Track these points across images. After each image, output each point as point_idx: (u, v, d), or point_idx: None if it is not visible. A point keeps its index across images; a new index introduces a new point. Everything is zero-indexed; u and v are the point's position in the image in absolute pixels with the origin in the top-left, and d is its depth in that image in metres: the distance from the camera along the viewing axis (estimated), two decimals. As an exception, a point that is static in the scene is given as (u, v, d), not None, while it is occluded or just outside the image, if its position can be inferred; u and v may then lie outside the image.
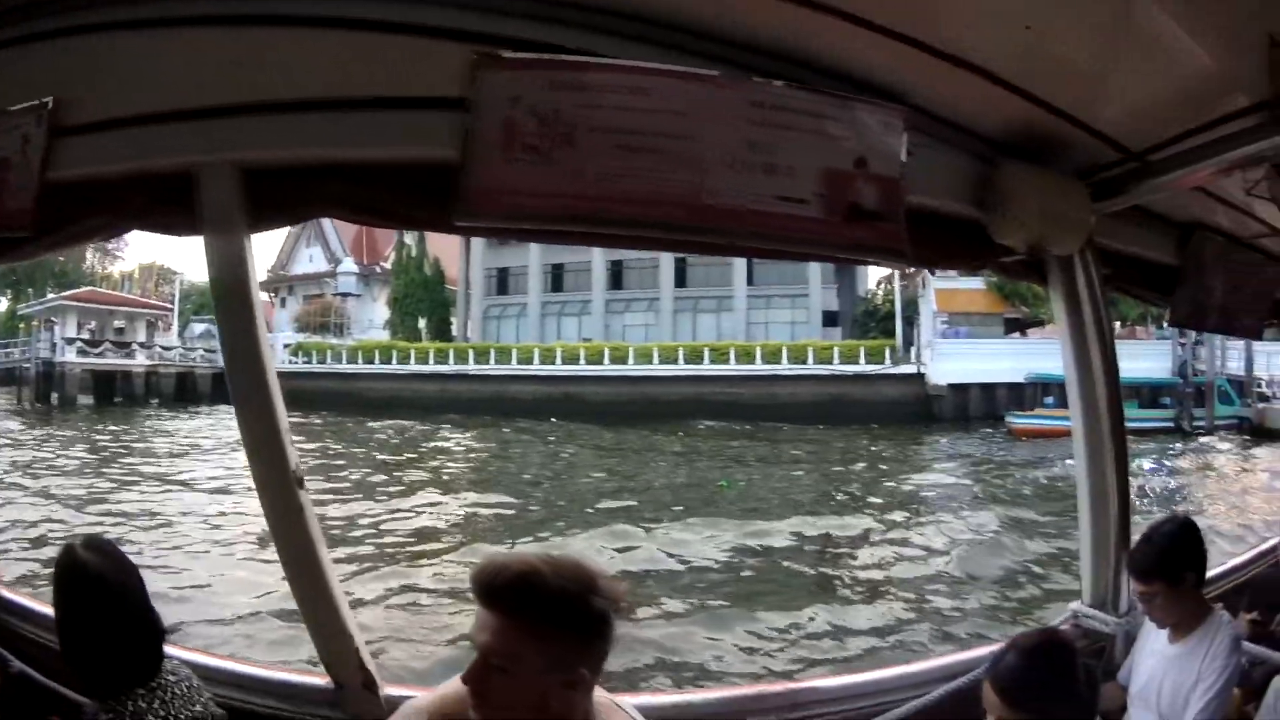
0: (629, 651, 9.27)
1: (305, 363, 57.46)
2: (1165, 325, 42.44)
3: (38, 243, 2.54)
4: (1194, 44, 2.37)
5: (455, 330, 66.95)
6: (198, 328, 71.39)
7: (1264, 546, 5.20)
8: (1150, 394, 39.70)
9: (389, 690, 2.79)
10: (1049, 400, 36.56)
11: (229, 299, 2.57)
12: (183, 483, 21.96)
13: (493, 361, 54.09)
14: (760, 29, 2.46)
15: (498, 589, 1.76)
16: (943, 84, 2.62)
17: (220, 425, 36.19)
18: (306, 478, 2.68)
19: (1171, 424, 38.55)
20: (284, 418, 2.60)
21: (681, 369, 49.80)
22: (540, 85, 2.28)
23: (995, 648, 2.60)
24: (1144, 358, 40.87)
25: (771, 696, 3.13)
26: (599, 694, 2.00)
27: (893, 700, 3.16)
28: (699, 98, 2.34)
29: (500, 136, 2.27)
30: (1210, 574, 4.56)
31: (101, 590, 2.27)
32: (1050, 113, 2.76)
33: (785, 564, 14.55)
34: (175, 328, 69.75)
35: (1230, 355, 41.22)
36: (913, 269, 51.47)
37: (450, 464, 28.82)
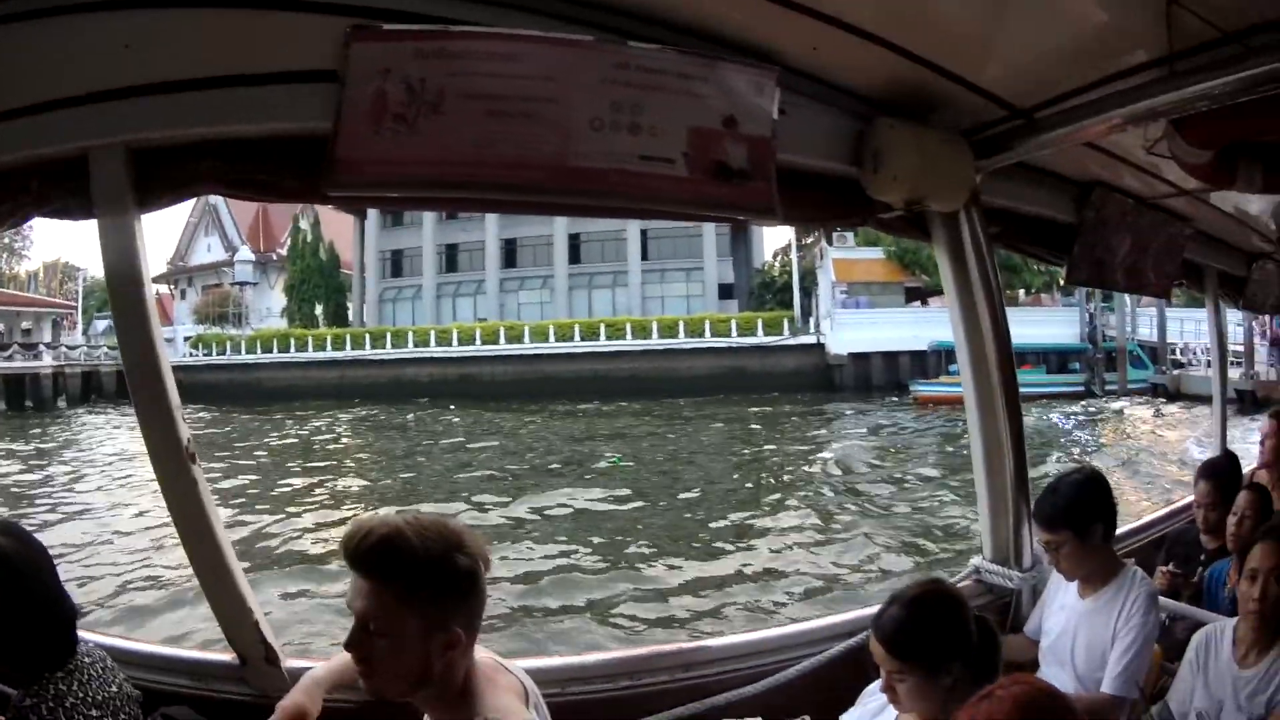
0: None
1: (206, 355, 56.79)
2: (1062, 285, 43.10)
3: None
4: (1084, 3, 2.42)
5: (351, 315, 66.21)
6: (101, 324, 70.00)
7: (1179, 503, 5.30)
8: (1059, 359, 40.44)
9: (291, 663, 2.79)
10: (953, 368, 37.04)
11: (121, 280, 2.55)
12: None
13: (389, 345, 54.07)
14: None
15: (364, 553, 1.78)
16: (817, 43, 2.63)
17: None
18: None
19: (1082, 388, 39.01)
20: (175, 394, 2.59)
21: (578, 346, 50.04)
22: (410, 55, 2.29)
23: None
24: (1052, 324, 41.77)
25: (664, 656, 3.16)
26: (484, 654, 2.03)
27: (787, 659, 3.19)
28: (567, 62, 2.35)
29: (370, 107, 2.28)
30: (1124, 530, 4.66)
31: (12, 573, 2.27)
32: (930, 70, 2.78)
33: (679, 530, 14.98)
34: (80, 326, 68.47)
35: (1141, 321, 41.89)
36: (809, 236, 52.23)
37: (341, 450, 28.94)
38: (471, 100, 2.30)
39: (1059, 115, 2.93)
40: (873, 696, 2.66)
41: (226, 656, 2.86)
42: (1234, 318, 25.32)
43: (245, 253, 69.35)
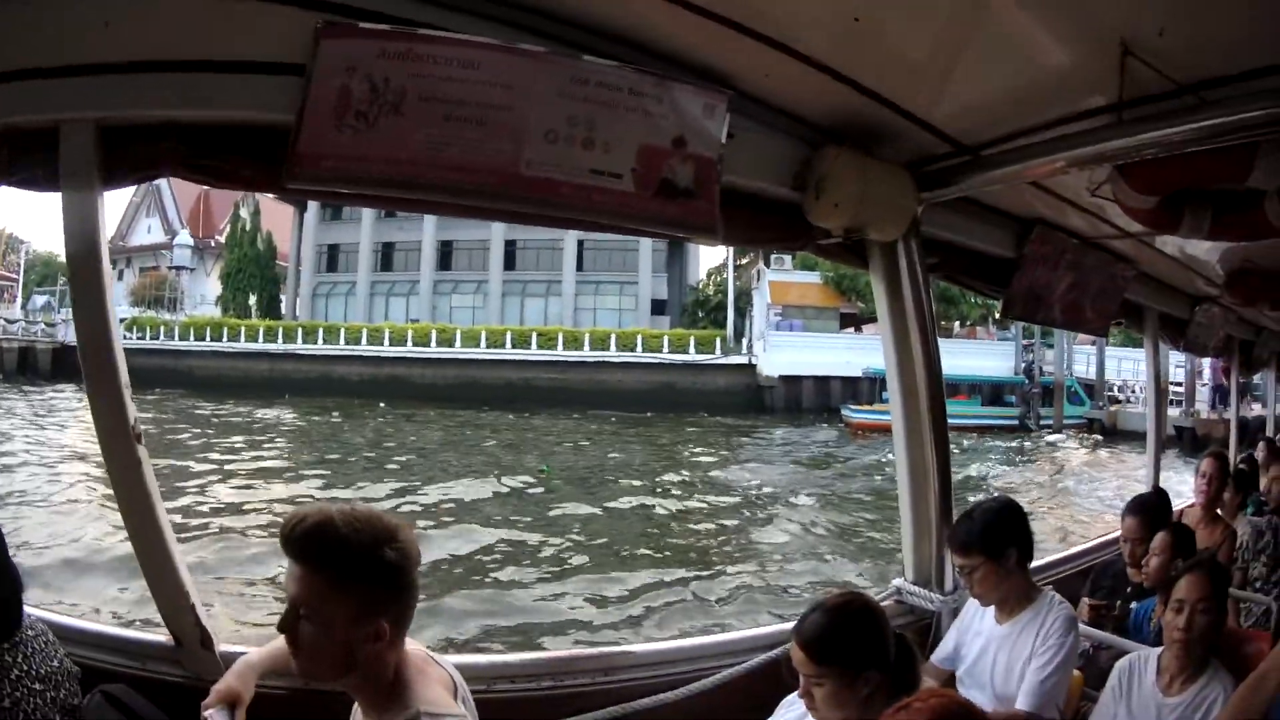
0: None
1: (140, 338, 54.75)
2: (998, 319, 43.35)
3: None
4: (1043, 46, 2.49)
5: (284, 308, 65.08)
6: (39, 299, 68.81)
7: (1107, 536, 5.43)
8: (993, 391, 40.51)
9: (224, 647, 2.83)
10: (886, 395, 37.23)
11: (81, 256, 2.58)
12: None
13: (320, 341, 52.89)
14: (592, 8, 2.55)
15: (295, 539, 1.85)
16: (768, 69, 2.71)
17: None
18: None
19: (1015, 422, 39.25)
20: (125, 373, 2.63)
21: (509, 353, 49.73)
22: (375, 54, 2.35)
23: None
24: (987, 356, 42.17)
25: (586, 659, 3.21)
26: (415, 648, 2.09)
27: (708, 667, 3.25)
28: (525, 72, 2.43)
29: (333, 103, 2.34)
30: (1050, 559, 4.79)
31: None
32: (879, 103, 2.87)
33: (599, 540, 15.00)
34: (19, 300, 66.29)
35: (1078, 358, 42.37)
36: (745, 256, 52.26)
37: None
38: (431, 103, 2.37)
39: (1005, 154, 3.03)
40: (791, 706, 2.71)
41: (162, 638, 2.89)
42: (1176, 358, 25.76)
43: (185, 237, 67.42)
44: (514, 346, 49.87)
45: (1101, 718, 3.16)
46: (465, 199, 2.44)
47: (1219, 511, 5.62)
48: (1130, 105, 2.51)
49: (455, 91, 2.39)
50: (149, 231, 72.31)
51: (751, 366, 46.32)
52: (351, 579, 1.85)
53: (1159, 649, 3.19)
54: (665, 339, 48.95)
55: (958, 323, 51.37)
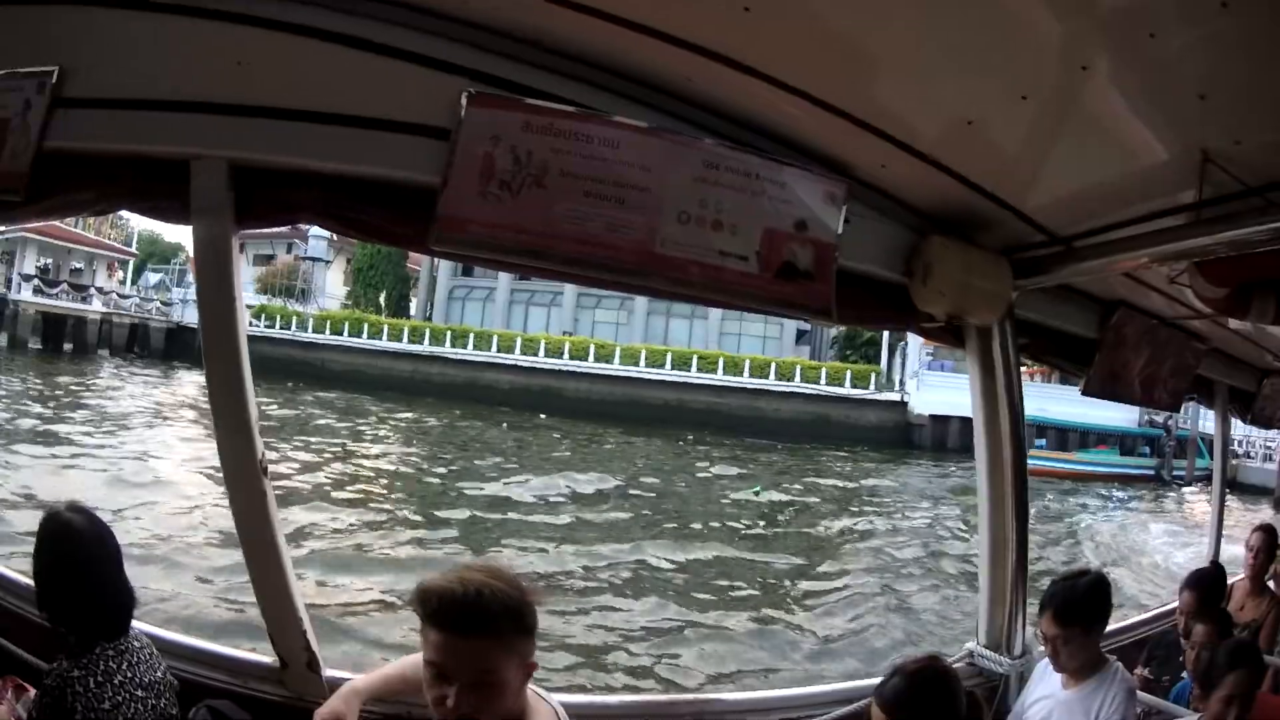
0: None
1: (268, 326, 55.69)
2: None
3: (27, 208, 2.63)
4: (1131, 149, 2.61)
5: (414, 308, 65.08)
6: (152, 277, 68.60)
7: (1164, 607, 5.46)
8: (1130, 443, 41.08)
9: (330, 672, 2.94)
10: (1040, 442, 37.69)
11: (212, 291, 2.68)
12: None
13: (470, 347, 53.03)
14: (722, 95, 2.67)
15: (457, 615, 1.89)
16: (884, 161, 2.84)
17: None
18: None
19: (1152, 473, 39.84)
20: (254, 407, 2.73)
21: (669, 374, 49.25)
22: (520, 126, 2.47)
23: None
24: (1112, 408, 41.13)
25: (681, 705, 3.35)
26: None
27: (794, 718, 3.38)
28: (662, 154, 2.56)
29: (477, 170, 2.46)
30: (1111, 629, 4.83)
31: (85, 548, 2.47)
32: (982, 195, 2.99)
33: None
34: (127, 275, 65.81)
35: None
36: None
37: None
38: (573, 179, 2.49)
39: (1094, 247, 3.14)
40: None
41: (266, 658, 3.01)
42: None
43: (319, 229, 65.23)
44: (674, 368, 49.62)
45: None
46: (600, 272, 2.56)
47: (1270, 584, 5.65)
48: (1208, 205, 2.60)
49: (596, 169, 2.51)
50: None
51: (903, 404, 46.54)
52: (516, 635, 1.95)
53: (1198, 715, 3.27)
54: (823, 371, 48.96)
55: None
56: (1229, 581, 5.31)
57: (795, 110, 2.60)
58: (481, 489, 21.17)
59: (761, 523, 20.71)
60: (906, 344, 49.18)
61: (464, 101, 2.46)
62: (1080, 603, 3.30)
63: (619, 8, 2.30)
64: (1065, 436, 41.12)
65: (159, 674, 2.57)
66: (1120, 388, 4.33)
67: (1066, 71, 2.26)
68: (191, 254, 2.73)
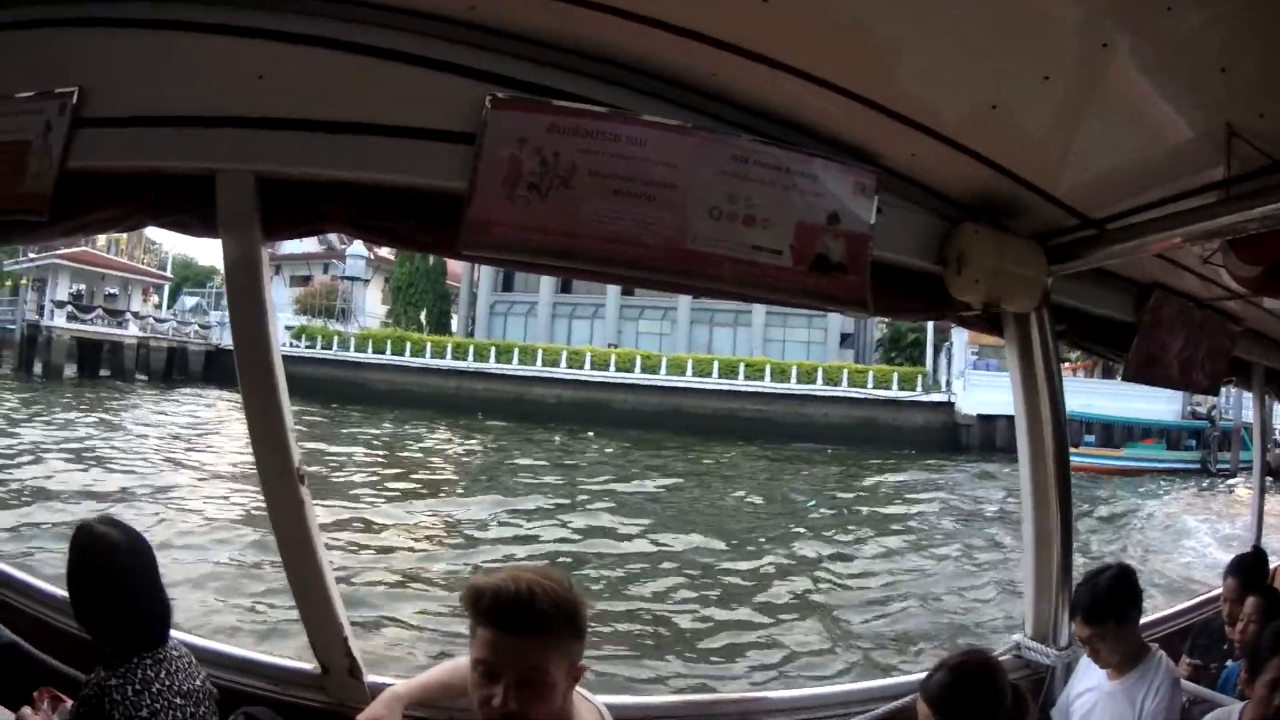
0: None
1: (308, 347, 55.50)
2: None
3: (52, 228, 2.65)
4: (1156, 126, 2.58)
5: (456, 325, 65.07)
6: (189, 301, 68.45)
7: (1208, 594, 5.39)
8: (1172, 435, 40.91)
9: (371, 678, 2.93)
10: (1089, 438, 37.65)
11: (242, 301, 2.70)
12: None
13: (515, 361, 52.61)
14: (748, 88, 2.65)
15: (510, 612, 1.87)
16: (913, 149, 2.82)
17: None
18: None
19: (1198, 465, 39.68)
20: (289, 416, 2.75)
21: (716, 382, 49.02)
22: (545, 128, 2.48)
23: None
24: (1155, 400, 41.29)
25: (725, 704, 3.33)
26: None
27: (838, 715, 3.35)
28: (690, 150, 2.55)
29: (504, 173, 2.46)
30: (1155, 617, 4.78)
31: (121, 559, 2.48)
32: (1012, 180, 2.96)
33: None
34: (163, 300, 66.04)
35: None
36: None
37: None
38: (601, 178, 2.49)
39: (1126, 229, 3.09)
40: None
41: (307, 665, 3.01)
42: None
43: (358, 248, 65.36)
44: (721, 377, 49.49)
45: None
46: (633, 271, 2.55)
47: None
48: (1237, 181, 2.57)
49: (624, 168, 2.50)
50: (299, 241, 70.38)
51: (950, 405, 46.32)
52: (567, 636, 1.93)
53: (1243, 704, 3.21)
54: (870, 374, 48.78)
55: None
56: (1271, 566, 5.24)
57: (821, 101, 2.59)
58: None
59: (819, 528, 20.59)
60: (951, 344, 49.15)
61: (488, 106, 2.47)
62: (1105, 600, 3.29)
63: (639, 6, 2.30)
64: (1111, 432, 40.84)
65: (197, 682, 2.57)
66: (1158, 371, 4.27)
67: (1087, 50, 2.25)
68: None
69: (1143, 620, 3.66)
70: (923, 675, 2.67)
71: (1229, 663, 4.40)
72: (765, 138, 2.66)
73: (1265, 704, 3.04)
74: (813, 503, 24.51)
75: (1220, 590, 4.71)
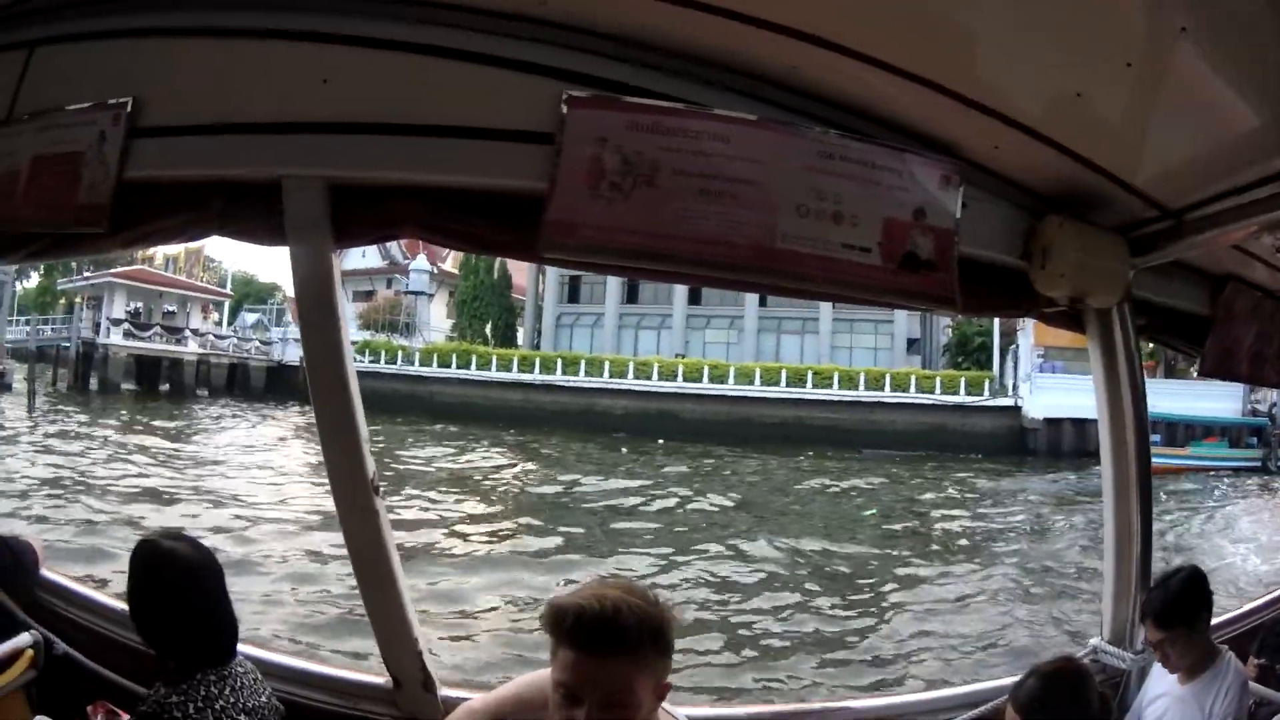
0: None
1: (373, 362, 55.19)
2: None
3: (112, 239, 2.65)
4: (1234, 111, 2.51)
5: (522, 338, 65.21)
6: (249, 317, 69.02)
7: (1275, 594, 5.29)
8: (1236, 434, 40.80)
9: (445, 692, 2.91)
10: (1155, 439, 37.05)
11: (314, 310, 2.69)
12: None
13: (582, 373, 52.58)
14: (828, 82, 2.61)
15: (605, 636, 1.81)
16: (995, 140, 2.76)
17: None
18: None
19: (1259, 464, 39.50)
20: (364, 426, 2.73)
21: (784, 391, 49.02)
22: (625, 126, 2.45)
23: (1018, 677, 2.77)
24: (1214, 398, 41.28)
25: (809, 714, 3.29)
26: None
27: None
28: (774, 146, 2.51)
29: (585, 173, 2.43)
30: (1223, 618, 4.69)
31: (188, 574, 2.45)
32: (1094, 171, 2.89)
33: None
34: (223, 317, 66.25)
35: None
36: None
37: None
38: (685, 176, 2.45)
39: (1204, 219, 3.02)
40: None
41: (379, 679, 2.99)
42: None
43: (422, 262, 66.19)
44: (789, 385, 49.58)
45: None
46: (719, 271, 2.51)
47: None
48: None
49: (708, 165, 2.46)
50: (363, 256, 71.32)
51: (1016, 409, 46.20)
52: (654, 655, 1.88)
53: None
54: (938, 380, 48.81)
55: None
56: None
57: (902, 93, 2.55)
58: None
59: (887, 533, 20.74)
60: (1017, 347, 48.86)
61: (564, 105, 2.44)
62: (1176, 603, 3.26)
63: None
64: (1174, 431, 40.32)
65: (263, 699, 2.54)
66: (1232, 366, 4.19)
67: (1167, 34, 2.20)
68: (290, 293, 2.71)
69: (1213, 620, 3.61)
70: (1008, 681, 2.64)
71: (1299, 663, 4.32)
72: (847, 131, 2.61)
73: None
74: (872, 511, 24.47)
75: (1289, 589, 4.64)
